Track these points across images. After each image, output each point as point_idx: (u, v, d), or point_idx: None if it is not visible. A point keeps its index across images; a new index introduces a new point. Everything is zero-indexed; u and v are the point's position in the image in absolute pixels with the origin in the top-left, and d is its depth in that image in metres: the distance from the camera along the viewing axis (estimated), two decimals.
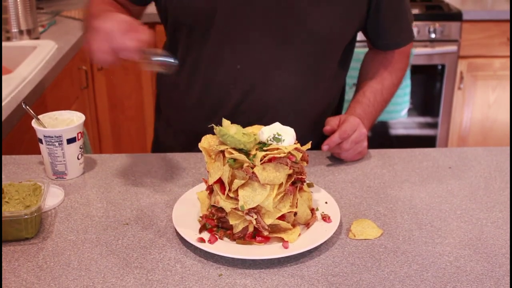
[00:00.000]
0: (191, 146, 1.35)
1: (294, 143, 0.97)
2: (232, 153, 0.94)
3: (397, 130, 3.04)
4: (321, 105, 1.40)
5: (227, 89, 1.32)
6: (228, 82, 1.32)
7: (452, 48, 2.82)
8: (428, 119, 3.02)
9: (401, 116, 2.85)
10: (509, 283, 0.88)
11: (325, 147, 1.25)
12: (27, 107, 1.21)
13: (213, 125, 0.97)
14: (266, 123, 1.02)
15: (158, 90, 1.50)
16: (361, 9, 1.31)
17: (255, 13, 1.25)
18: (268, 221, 0.94)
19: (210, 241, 0.95)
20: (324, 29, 1.28)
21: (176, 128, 1.46)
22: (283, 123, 0.99)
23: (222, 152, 0.96)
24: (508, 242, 0.98)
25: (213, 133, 0.99)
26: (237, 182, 0.93)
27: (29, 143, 1.59)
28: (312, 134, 1.30)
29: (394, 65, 1.42)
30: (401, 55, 1.42)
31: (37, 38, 2.19)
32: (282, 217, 0.96)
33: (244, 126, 1.00)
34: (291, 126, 0.99)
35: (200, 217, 1.02)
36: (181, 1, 1.27)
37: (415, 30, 2.75)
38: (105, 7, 1.25)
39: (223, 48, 1.29)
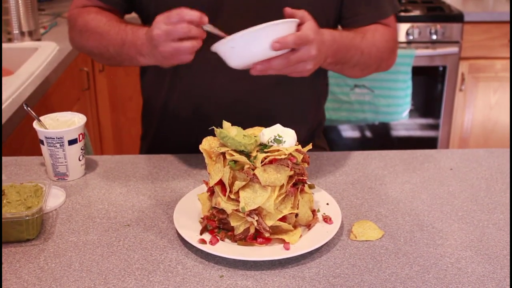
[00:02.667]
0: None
1: (295, 145, 0.97)
2: (233, 155, 0.94)
3: (398, 131, 3.03)
4: (306, 97, 1.37)
5: (212, 87, 1.30)
6: (213, 78, 1.29)
7: (453, 49, 2.81)
8: (429, 121, 3.02)
9: (402, 117, 2.85)
10: (510, 285, 0.88)
11: (276, 45, 1.00)
12: (29, 108, 1.21)
13: (213, 127, 0.97)
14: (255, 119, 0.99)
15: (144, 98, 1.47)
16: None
17: (235, 4, 1.22)
18: (269, 222, 0.94)
19: (211, 243, 0.95)
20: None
21: (171, 139, 1.41)
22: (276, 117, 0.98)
23: (223, 154, 0.96)
24: (510, 243, 0.98)
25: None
26: (238, 184, 0.93)
27: (31, 145, 1.59)
28: (301, 127, 1.24)
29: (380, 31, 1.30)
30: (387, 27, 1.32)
31: (39, 40, 2.19)
32: (283, 219, 0.96)
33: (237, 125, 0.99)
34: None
35: (201, 218, 1.02)
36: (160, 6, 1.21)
37: (416, 31, 2.77)
38: (105, 20, 1.23)
39: (204, 48, 1.16)
